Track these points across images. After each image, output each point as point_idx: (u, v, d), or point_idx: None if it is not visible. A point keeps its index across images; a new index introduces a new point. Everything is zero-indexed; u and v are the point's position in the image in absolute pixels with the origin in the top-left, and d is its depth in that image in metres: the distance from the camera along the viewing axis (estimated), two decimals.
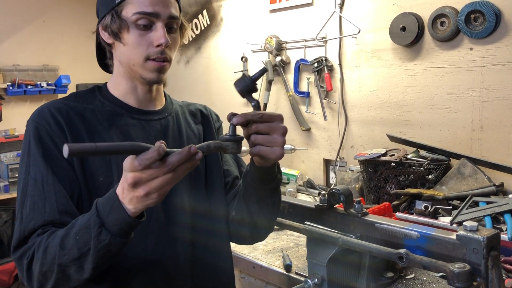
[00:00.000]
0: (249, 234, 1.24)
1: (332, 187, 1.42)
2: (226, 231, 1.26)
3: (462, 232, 1.05)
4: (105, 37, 1.12)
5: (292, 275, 1.56)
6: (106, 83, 1.20)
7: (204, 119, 1.32)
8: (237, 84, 0.97)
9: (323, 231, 1.31)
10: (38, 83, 3.58)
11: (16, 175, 3.34)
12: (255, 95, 1.02)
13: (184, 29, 1.17)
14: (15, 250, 1.00)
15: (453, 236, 1.07)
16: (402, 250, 1.10)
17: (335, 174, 2.56)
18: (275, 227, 1.94)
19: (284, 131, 0.99)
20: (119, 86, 1.16)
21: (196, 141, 1.24)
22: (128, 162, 0.79)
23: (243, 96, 0.99)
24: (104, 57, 1.19)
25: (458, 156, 2.03)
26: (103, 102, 1.15)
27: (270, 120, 0.97)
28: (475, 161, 1.96)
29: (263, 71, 0.98)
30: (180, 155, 0.80)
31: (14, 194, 3.34)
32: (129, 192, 0.82)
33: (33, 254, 0.96)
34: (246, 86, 0.97)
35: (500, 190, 1.85)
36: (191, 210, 1.18)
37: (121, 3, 1.06)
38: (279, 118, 0.99)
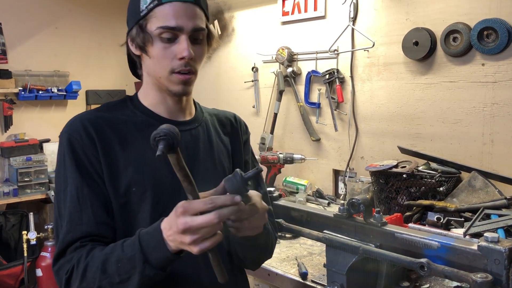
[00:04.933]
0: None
1: (351, 197, 1.45)
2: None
3: (483, 243, 1.08)
4: (133, 49, 1.13)
5: (308, 283, 1.58)
6: (136, 93, 1.22)
7: (233, 130, 1.31)
8: (228, 182, 0.91)
9: (343, 240, 1.34)
10: (49, 88, 3.61)
11: (26, 179, 3.38)
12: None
13: (212, 38, 1.17)
14: (55, 263, 1.03)
15: (474, 247, 1.10)
16: (423, 260, 1.13)
17: (345, 185, 2.59)
18: (288, 235, 1.99)
19: (263, 222, 1.01)
20: (149, 97, 1.18)
21: (226, 152, 1.26)
22: (185, 205, 0.87)
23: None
24: (136, 66, 1.21)
25: (468, 169, 2.06)
26: (135, 112, 1.16)
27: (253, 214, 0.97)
28: (486, 174, 2.00)
29: (257, 172, 0.92)
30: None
31: (23, 198, 3.36)
32: (177, 235, 0.88)
33: (72, 270, 0.99)
34: (236, 187, 0.90)
35: (511, 203, 1.88)
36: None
37: (145, 17, 1.07)
38: (264, 210, 1.00)
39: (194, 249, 0.87)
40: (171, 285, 1.08)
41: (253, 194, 0.97)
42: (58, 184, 1.08)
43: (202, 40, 1.12)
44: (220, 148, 1.25)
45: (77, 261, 0.98)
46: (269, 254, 1.27)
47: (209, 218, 0.85)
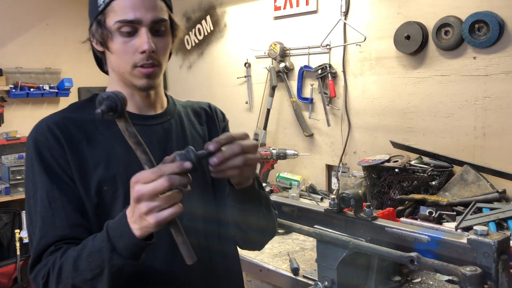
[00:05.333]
0: (244, 244, 1.28)
1: (342, 191, 1.44)
2: (233, 234, 1.25)
3: (473, 236, 1.08)
4: (95, 45, 1.10)
5: (300, 278, 1.58)
6: (105, 90, 1.17)
7: (209, 119, 1.29)
8: (180, 157, 0.87)
9: (333, 235, 1.33)
10: (41, 85, 3.59)
11: (18, 177, 3.36)
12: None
13: (177, 29, 1.12)
14: (31, 270, 1.00)
15: (464, 240, 1.10)
16: (413, 254, 1.13)
17: (338, 180, 2.58)
18: (280, 231, 1.98)
19: (257, 147, 0.97)
20: None
21: (201, 142, 1.22)
22: (136, 175, 0.84)
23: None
24: (102, 62, 1.17)
25: (461, 163, 2.06)
26: None
27: (241, 139, 0.94)
28: (478, 168, 2.00)
29: (209, 153, 0.90)
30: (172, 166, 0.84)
31: (15, 197, 3.34)
32: (135, 208, 0.85)
33: (48, 274, 0.96)
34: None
35: (503, 197, 1.88)
36: (201, 214, 1.17)
37: (103, 11, 1.04)
38: (248, 136, 0.97)
39: (151, 220, 0.82)
40: (144, 281, 1.05)
41: (239, 134, 0.94)
42: (28, 190, 1.05)
43: (165, 32, 1.08)
44: (195, 139, 1.22)
45: (52, 264, 0.96)
46: (272, 226, 1.22)
47: (160, 182, 0.81)
